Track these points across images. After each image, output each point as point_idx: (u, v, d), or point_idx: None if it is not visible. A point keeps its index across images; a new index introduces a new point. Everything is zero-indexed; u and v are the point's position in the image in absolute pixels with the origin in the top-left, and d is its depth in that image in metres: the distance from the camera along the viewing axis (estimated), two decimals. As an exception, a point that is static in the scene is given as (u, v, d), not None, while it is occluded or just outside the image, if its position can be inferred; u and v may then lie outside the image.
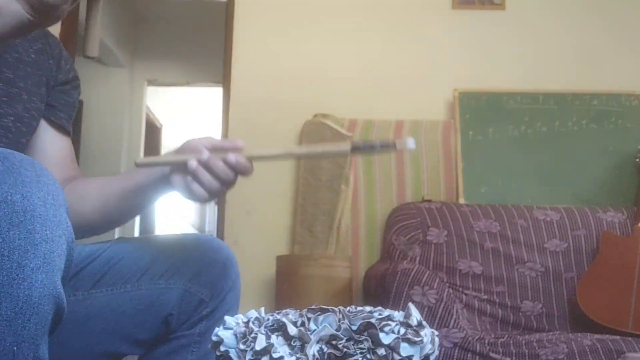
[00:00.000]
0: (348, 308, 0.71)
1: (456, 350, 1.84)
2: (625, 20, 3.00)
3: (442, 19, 2.97)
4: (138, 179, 0.99)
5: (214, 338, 0.71)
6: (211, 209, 7.79)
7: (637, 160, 2.66)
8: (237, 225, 2.78)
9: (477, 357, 1.83)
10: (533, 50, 2.95)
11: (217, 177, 0.89)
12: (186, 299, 1.00)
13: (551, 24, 2.98)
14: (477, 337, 1.89)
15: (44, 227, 0.60)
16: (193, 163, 0.88)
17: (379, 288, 2.04)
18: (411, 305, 0.71)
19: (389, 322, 0.67)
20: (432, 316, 1.88)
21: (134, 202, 1.01)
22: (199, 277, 1.00)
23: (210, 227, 7.98)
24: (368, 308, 0.71)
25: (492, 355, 1.82)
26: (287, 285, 2.42)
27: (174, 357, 1.02)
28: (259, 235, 2.76)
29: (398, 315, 0.70)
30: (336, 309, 0.70)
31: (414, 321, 0.69)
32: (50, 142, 1.06)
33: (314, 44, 2.93)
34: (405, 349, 0.66)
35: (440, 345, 1.84)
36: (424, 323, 0.70)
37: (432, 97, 2.88)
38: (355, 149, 0.86)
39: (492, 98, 2.83)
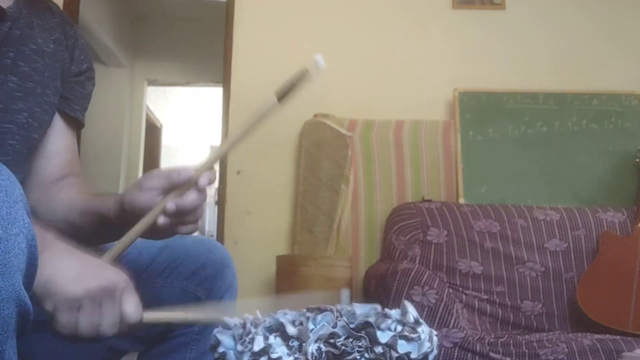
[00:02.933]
0: (347, 308, 0.72)
1: (456, 350, 1.84)
2: (626, 20, 3.00)
3: (442, 19, 2.97)
4: (98, 205, 0.95)
5: (212, 340, 0.71)
6: (211, 209, 7.79)
7: (637, 160, 2.66)
8: (237, 226, 2.78)
9: (477, 357, 1.83)
10: (533, 50, 2.95)
11: (195, 209, 0.86)
12: (183, 297, 1.00)
13: (551, 23, 2.98)
14: (477, 337, 1.89)
15: None
16: (162, 220, 0.84)
17: (379, 288, 2.04)
18: (407, 303, 0.71)
19: (386, 320, 0.68)
20: (432, 316, 1.88)
21: (94, 227, 0.96)
22: (196, 276, 1.01)
23: (211, 227, 7.97)
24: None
25: (492, 355, 1.82)
26: (287, 286, 2.42)
27: (173, 355, 1.02)
28: (259, 235, 2.76)
29: (395, 313, 0.70)
30: (333, 307, 0.70)
31: (410, 319, 0.69)
32: (55, 133, 1.05)
33: (313, 43, 2.93)
34: (402, 346, 0.67)
35: (441, 345, 1.83)
36: (421, 320, 0.70)
37: (432, 97, 2.88)
38: (281, 97, 0.85)
39: (492, 98, 2.82)
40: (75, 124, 1.10)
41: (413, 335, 0.67)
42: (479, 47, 2.95)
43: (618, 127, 2.78)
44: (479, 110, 2.80)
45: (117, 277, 0.77)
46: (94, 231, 0.96)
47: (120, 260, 1.01)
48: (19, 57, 0.96)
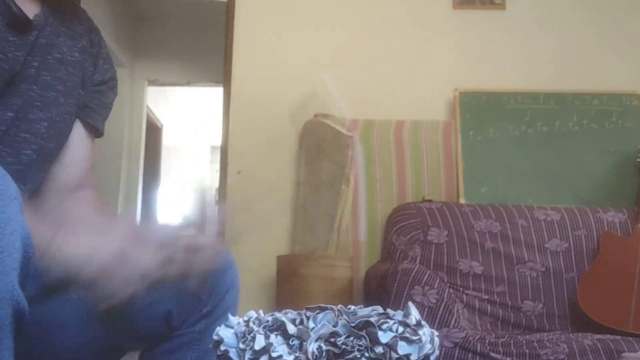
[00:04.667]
0: (349, 307, 0.72)
1: (457, 350, 1.84)
2: (626, 20, 3.00)
3: (442, 19, 2.97)
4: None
5: (215, 337, 0.72)
6: (212, 209, 7.78)
7: (638, 160, 2.66)
8: (238, 225, 2.77)
9: (478, 357, 1.83)
10: (533, 50, 2.95)
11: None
12: (184, 297, 1.00)
13: (551, 23, 2.98)
14: (477, 337, 1.89)
15: None
16: None
17: (380, 288, 2.04)
18: (410, 305, 0.71)
19: (387, 320, 0.68)
20: (432, 316, 1.88)
21: None
22: (196, 276, 1.01)
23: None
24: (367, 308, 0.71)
25: (493, 355, 1.82)
26: (288, 285, 2.42)
27: (175, 355, 1.03)
28: (260, 235, 2.76)
29: (397, 314, 0.70)
30: (334, 307, 0.70)
31: (412, 320, 0.69)
32: (75, 142, 1.05)
33: (314, 43, 2.93)
34: (402, 348, 0.67)
35: (441, 345, 1.83)
36: (423, 322, 0.70)
37: (433, 97, 2.88)
38: (294, 118, 0.85)
39: (492, 98, 2.82)
40: (94, 133, 1.10)
41: (414, 338, 0.67)
42: (480, 47, 2.95)
43: (618, 127, 2.78)
44: (479, 110, 2.80)
45: (125, 240, 0.78)
46: None
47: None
48: (43, 66, 0.95)
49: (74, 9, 1.07)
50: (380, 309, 0.70)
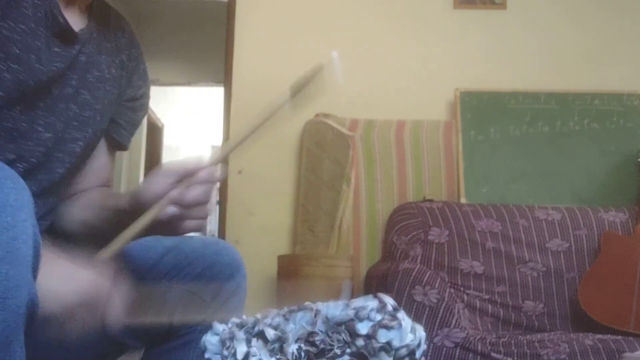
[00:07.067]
0: (326, 304, 0.71)
1: (458, 350, 1.84)
2: (627, 20, 2.99)
3: (443, 19, 2.97)
4: (114, 201, 0.94)
5: (201, 346, 0.72)
6: (212, 209, 7.79)
7: (639, 160, 2.66)
8: (239, 225, 2.78)
9: (479, 357, 1.82)
10: (534, 50, 2.95)
11: (200, 203, 0.82)
12: (187, 298, 1.00)
13: (553, 23, 2.98)
14: (478, 337, 1.89)
15: (3, 213, 0.54)
16: (171, 209, 0.80)
17: (381, 288, 2.04)
18: (382, 295, 0.70)
19: (363, 309, 0.67)
20: (433, 316, 1.88)
21: (111, 224, 0.93)
22: (202, 277, 1.01)
23: (212, 227, 7.97)
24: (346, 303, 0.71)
25: (494, 355, 1.82)
26: (289, 285, 2.42)
27: (176, 354, 1.03)
28: (261, 235, 2.76)
29: (372, 303, 0.69)
30: (313, 306, 0.70)
31: (389, 307, 0.69)
32: (96, 153, 1.05)
33: (314, 43, 2.93)
34: (383, 335, 0.66)
35: (442, 345, 1.83)
36: (400, 308, 0.70)
37: (434, 97, 2.88)
38: (295, 92, 0.84)
39: (493, 98, 2.82)
40: (118, 146, 1.09)
41: (393, 323, 0.66)
42: (481, 47, 2.94)
43: (620, 127, 2.78)
44: (480, 110, 2.80)
45: (96, 286, 0.74)
46: (111, 228, 0.95)
47: (123, 258, 1.01)
48: (82, 84, 0.94)
49: (119, 21, 1.06)
50: (360, 303, 0.69)
